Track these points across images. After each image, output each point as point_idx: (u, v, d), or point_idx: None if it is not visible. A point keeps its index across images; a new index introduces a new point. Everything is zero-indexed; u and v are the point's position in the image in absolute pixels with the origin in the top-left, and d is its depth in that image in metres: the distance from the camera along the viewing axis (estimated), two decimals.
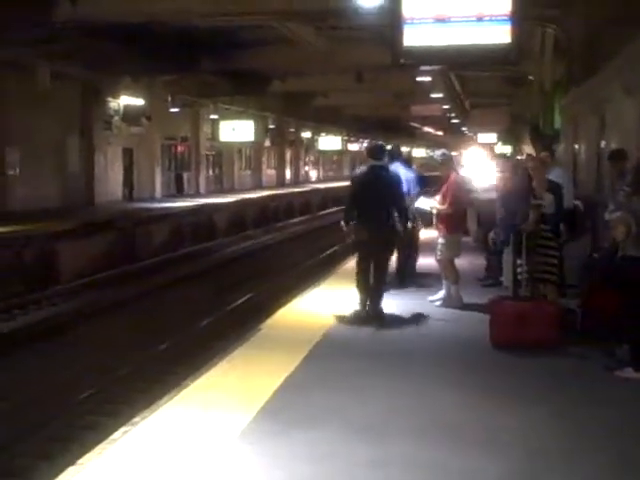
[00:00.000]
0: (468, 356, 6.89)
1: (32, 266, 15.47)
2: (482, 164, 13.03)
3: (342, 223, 8.61)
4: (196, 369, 6.56)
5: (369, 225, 8.31)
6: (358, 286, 8.44)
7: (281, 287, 14.83)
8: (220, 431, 4.88)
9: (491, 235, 8.73)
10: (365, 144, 59.19)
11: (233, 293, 14.70)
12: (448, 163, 9.64)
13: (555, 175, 8.98)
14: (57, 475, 4.33)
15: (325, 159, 52.55)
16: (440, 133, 57.16)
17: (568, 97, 15.35)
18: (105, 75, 21.93)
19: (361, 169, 9.03)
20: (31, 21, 15.66)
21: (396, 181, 8.72)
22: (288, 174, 44.26)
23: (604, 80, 11.74)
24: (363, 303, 8.41)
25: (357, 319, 8.22)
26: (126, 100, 24.10)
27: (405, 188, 9.33)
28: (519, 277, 7.65)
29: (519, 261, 7.67)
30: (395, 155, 10.39)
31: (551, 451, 4.68)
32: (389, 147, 10.35)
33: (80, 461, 4.47)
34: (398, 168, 9.63)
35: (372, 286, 8.45)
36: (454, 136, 55.53)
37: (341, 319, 8.26)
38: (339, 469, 4.37)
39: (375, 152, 8.79)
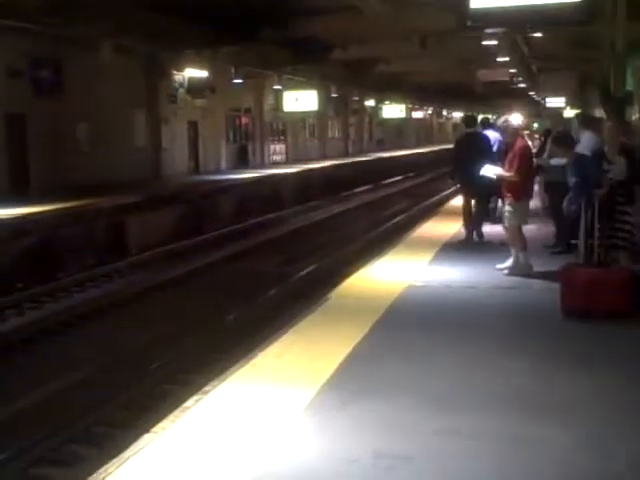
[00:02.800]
0: (538, 325, 6.78)
1: (103, 239, 15.83)
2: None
3: (451, 177, 12.65)
4: (264, 339, 6.62)
5: (469, 176, 10.51)
6: (464, 218, 11.34)
7: (348, 256, 14.84)
8: (288, 400, 4.92)
9: (565, 201, 8.53)
10: (429, 112, 58.71)
11: (300, 262, 14.78)
12: (513, 129, 9.44)
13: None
14: (132, 442, 4.43)
15: (386, 128, 51.97)
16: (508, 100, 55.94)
17: None
18: (168, 48, 22.09)
19: (460, 135, 12.46)
20: None
21: (487, 142, 11.28)
22: (351, 143, 44.07)
23: None
24: (469, 232, 11.16)
25: (465, 243, 10.96)
26: (190, 73, 24.27)
27: (495, 148, 11.45)
28: (591, 243, 7.46)
29: (595, 226, 7.47)
30: (485, 123, 13.22)
31: (623, 420, 4.59)
32: (481, 117, 14.00)
33: (154, 429, 4.56)
34: (489, 133, 11.98)
35: (474, 218, 11.27)
36: (520, 101, 54.32)
37: (451, 243, 11.08)
38: (408, 439, 4.36)
39: (469, 121, 12.07)
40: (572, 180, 8.15)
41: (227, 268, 14.98)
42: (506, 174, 8.91)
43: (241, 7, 19.87)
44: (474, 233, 11.29)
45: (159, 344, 9.49)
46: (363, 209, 24.86)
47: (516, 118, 17.24)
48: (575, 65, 32.20)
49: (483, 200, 11.55)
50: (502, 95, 50.81)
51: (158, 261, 15.36)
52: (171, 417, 4.72)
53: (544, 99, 43.29)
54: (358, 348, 6.06)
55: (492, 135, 11.95)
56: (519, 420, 4.61)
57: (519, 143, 9.02)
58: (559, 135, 9.44)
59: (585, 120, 10.12)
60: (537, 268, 8.79)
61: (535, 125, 49.07)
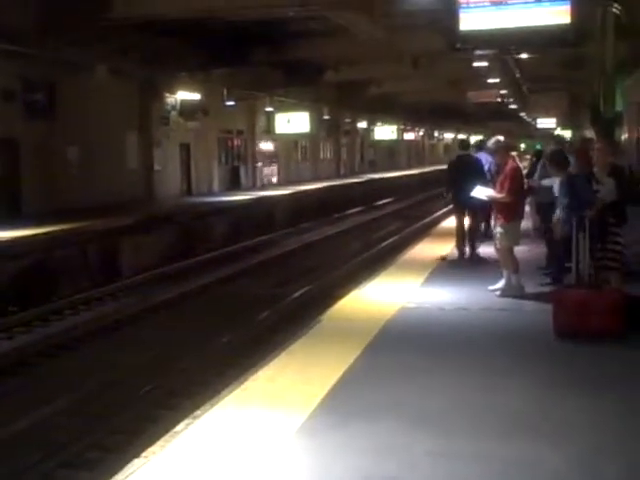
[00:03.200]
0: (531, 346, 6.77)
1: (96, 262, 15.77)
2: None
3: (444, 194, 13.05)
4: (256, 362, 6.59)
5: (462, 195, 10.83)
6: (457, 238, 11.61)
7: (340, 278, 14.82)
8: (279, 424, 4.89)
9: (555, 217, 8.54)
10: (421, 133, 59.01)
11: (293, 285, 14.75)
12: (504, 150, 9.46)
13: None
14: (122, 467, 4.39)
15: (378, 149, 52.12)
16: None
17: (632, 77, 14.94)
18: (161, 71, 22.18)
19: (454, 157, 12.93)
20: (88, 20, 15.95)
21: (479, 164, 11.74)
22: (343, 165, 44.14)
23: None
24: (460, 250, 11.48)
25: (458, 263, 11.17)
26: (183, 95, 24.35)
27: (486, 168, 11.91)
28: (582, 264, 7.46)
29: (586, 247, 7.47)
30: (479, 146, 13.76)
31: (615, 441, 4.58)
32: (475, 140, 15.07)
33: (144, 454, 4.53)
34: (482, 155, 12.30)
35: (468, 236, 11.60)
36: (513, 123, 54.66)
37: (444, 260, 11.41)
38: (399, 461, 4.34)
39: (462, 144, 12.88)
40: (563, 201, 8.17)
41: (220, 290, 14.94)
42: (497, 195, 8.93)
43: (235, 29, 20.02)
44: (467, 250, 11.56)
45: (152, 367, 9.44)
46: (355, 231, 24.86)
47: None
48: (565, 86, 32.49)
49: (477, 218, 12.08)
50: (493, 116, 51.17)
51: (151, 283, 15.31)
52: (161, 442, 4.69)
53: (535, 120, 43.61)
54: (350, 371, 6.04)
55: (485, 157, 12.24)
56: (511, 441, 4.59)
57: (510, 164, 9.05)
58: (554, 153, 9.46)
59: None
60: (529, 289, 8.79)
61: (522, 146, 49.20)
